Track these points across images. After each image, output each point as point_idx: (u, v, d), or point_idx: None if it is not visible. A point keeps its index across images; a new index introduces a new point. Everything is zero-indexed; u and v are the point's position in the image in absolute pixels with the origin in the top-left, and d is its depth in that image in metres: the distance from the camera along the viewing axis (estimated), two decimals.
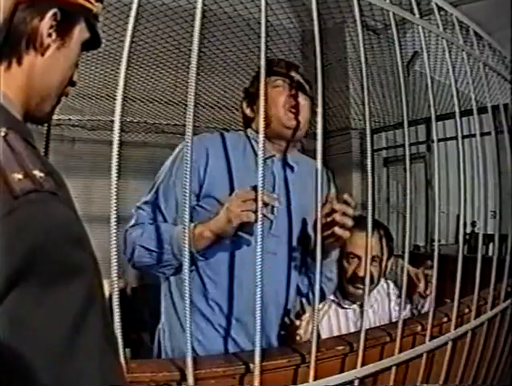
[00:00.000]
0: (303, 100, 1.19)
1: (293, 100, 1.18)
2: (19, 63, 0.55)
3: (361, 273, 1.40)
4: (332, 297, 1.51)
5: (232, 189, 1.11)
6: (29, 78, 0.56)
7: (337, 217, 1.05)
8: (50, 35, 0.56)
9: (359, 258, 1.44)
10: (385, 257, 1.51)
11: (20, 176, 0.44)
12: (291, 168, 1.24)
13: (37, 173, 0.45)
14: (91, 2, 0.61)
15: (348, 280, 1.46)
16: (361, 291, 1.40)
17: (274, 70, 1.19)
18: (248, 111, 1.27)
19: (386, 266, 1.54)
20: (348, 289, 1.47)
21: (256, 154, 1.17)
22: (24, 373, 0.42)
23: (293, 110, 1.18)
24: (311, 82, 1.19)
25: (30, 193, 0.43)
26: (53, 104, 0.62)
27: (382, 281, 1.61)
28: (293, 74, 1.21)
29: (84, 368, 0.45)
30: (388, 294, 1.59)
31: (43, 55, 0.56)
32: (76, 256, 0.46)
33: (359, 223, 1.27)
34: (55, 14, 0.55)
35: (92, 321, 0.46)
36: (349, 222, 1.07)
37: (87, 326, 0.45)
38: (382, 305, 1.56)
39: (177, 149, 1.18)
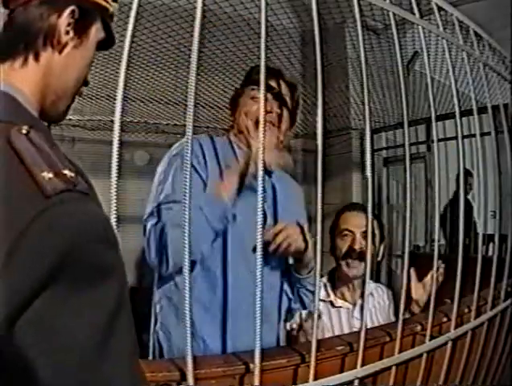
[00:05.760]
0: (278, 111, 1.18)
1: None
2: (36, 59, 0.54)
3: (356, 246, 1.47)
4: (322, 297, 1.52)
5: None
6: (45, 75, 0.55)
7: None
8: (67, 33, 0.55)
9: (353, 233, 1.50)
10: (377, 239, 1.54)
11: (50, 175, 0.42)
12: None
13: (67, 172, 0.44)
14: (107, 2, 0.60)
15: (343, 256, 1.49)
16: (354, 270, 1.46)
17: (252, 79, 1.19)
18: (231, 113, 1.28)
19: (379, 250, 1.58)
20: (342, 268, 1.49)
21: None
22: (55, 378, 0.40)
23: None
24: (298, 85, 1.22)
25: (63, 192, 0.42)
26: (68, 103, 0.61)
27: (381, 286, 1.61)
28: (272, 83, 1.19)
29: (116, 371, 0.44)
30: (387, 298, 1.60)
31: (60, 52, 0.56)
32: (109, 256, 0.46)
33: (349, 206, 1.59)
34: (72, 12, 0.55)
35: (124, 322, 0.45)
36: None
37: (119, 327, 0.44)
38: (380, 310, 1.56)
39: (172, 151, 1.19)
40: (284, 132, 1.21)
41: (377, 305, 1.55)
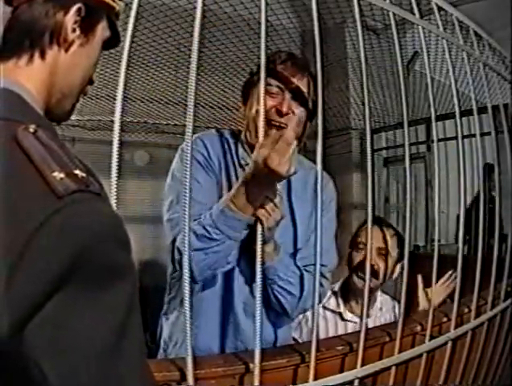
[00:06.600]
0: (295, 111, 1.07)
1: (280, 112, 1.05)
2: (42, 57, 0.54)
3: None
4: (332, 307, 1.51)
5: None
6: (52, 74, 0.55)
7: None
8: (74, 31, 0.55)
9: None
10: (393, 255, 1.52)
11: (62, 175, 0.41)
12: None
13: (79, 172, 0.43)
14: (114, 0, 0.60)
15: (354, 268, 1.48)
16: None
17: (274, 71, 1.06)
18: (242, 110, 1.17)
19: (394, 269, 1.54)
20: (353, 280, 1.47)
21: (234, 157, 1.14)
22: (65, 380, 0.40)
23: (275, 124, 1.05)
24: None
25: (75, 193, 0.41)
26: (73, 102, 0.61)
27: (389, 298, 1.60)
28: (295, 80, 1.07)
29: (128, 372, 0.43)
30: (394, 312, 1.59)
31: (67, 51, 0.55)
32: (121, 257, 0.45)
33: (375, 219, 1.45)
34: (79, 10, 0.54)
35: (135, 323, 0.45)
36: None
37: (131, 329, 0.44)
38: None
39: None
40: (299, 135, 1.09)
41: (384, 321, 1.54)
